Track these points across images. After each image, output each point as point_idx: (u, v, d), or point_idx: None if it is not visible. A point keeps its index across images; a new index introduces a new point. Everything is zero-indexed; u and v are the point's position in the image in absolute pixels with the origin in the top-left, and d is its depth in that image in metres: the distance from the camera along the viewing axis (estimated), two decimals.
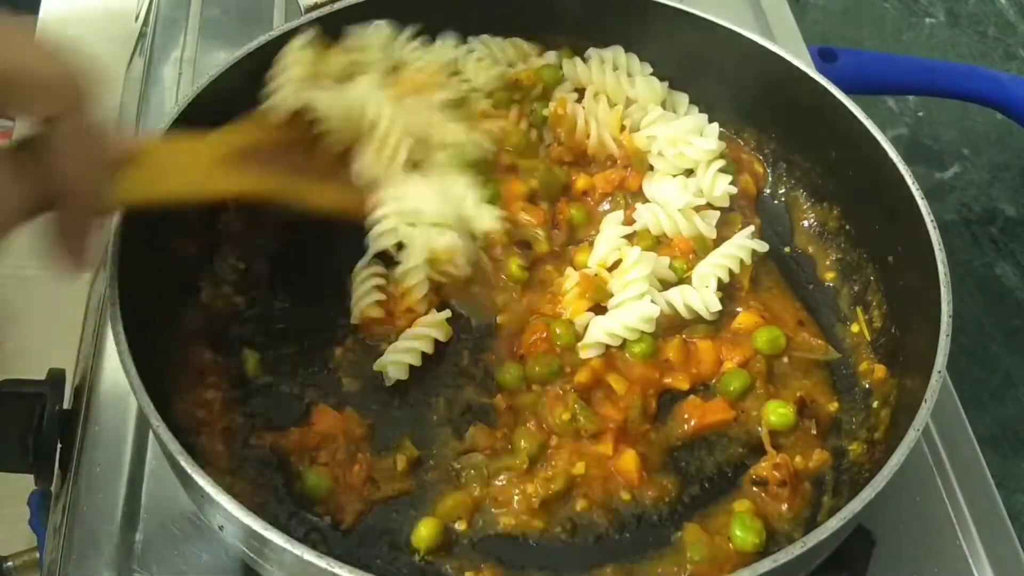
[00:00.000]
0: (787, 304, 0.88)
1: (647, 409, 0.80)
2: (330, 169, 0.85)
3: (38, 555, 0.91)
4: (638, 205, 0.92)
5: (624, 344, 0.83)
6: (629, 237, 0.89)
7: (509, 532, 0.75)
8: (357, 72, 0.88)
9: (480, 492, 0.76)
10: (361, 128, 0.84)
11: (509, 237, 0.88)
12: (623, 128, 0.95)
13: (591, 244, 0.89)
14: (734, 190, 0.92)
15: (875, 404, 0.81)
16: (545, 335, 0.83)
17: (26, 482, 0.89)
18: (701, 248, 0.89)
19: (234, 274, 0.86)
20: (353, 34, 0.89)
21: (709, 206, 0.92)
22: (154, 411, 0.65)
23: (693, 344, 0.84)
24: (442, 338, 0.83)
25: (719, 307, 0.85)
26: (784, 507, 0.76)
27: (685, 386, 0.82)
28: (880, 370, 0.82)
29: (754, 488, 0.77)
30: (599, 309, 0.85)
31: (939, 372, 0.70)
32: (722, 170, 0.93)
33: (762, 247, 0.90)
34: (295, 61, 0.84)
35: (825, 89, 0.87)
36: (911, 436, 0.66)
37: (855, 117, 0.85)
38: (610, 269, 0.87)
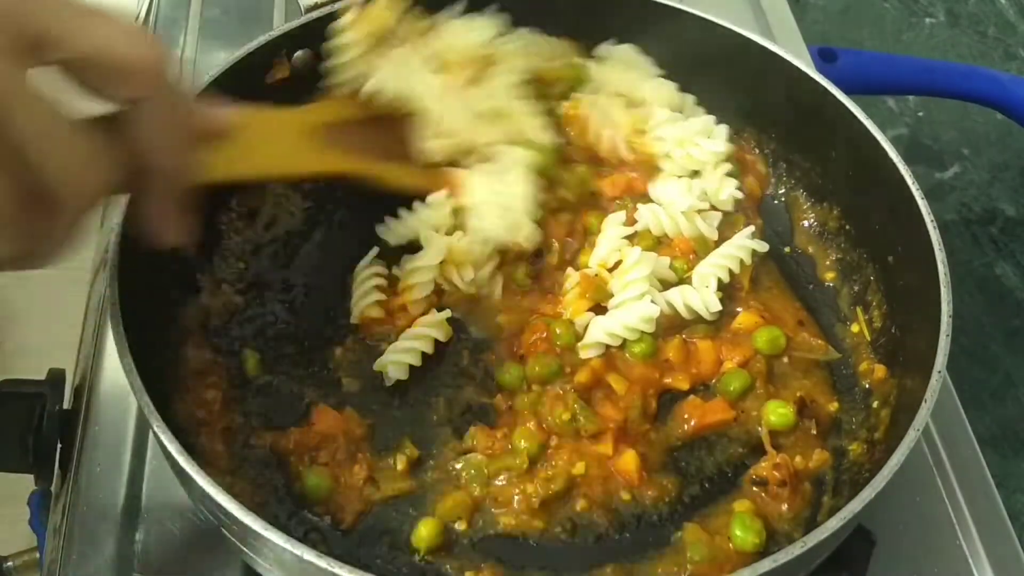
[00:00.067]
0: (787, 304, 0.88)
1: (647, 409, 0.80)
2: (404, 147, 0.85)
3: (38, 555, 0.91)
4: (639, 205, 0.91)
5: (624, 344, 0.83)
6: (630, 237, 0.89)
7: (509, 532, 0.75)
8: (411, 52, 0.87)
9: (480, 492, 0.76)
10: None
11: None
12: (638, 132, 0.94)
13: (592, 245, 0.89)
14: (740, 195, 0.92)
15: (875, 404, 0.81)
16: (545, 335, 0.83)
17: (26, 482, 0.89)
18: (702, 248, 0.89)
19: (234, 274, 0.86)
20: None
21: (712, 208, 0.92)
22: (154, 411, 0.65)
23: (693, 344, 0.84)
24: (442, 338, 0.83)
25: (719, 307, 0.85)
26: (784, 507, 0.76)
27: (685, 386, 0.82)
28: (880, 370, 0.82)
29: (754, 488, 0.77)
30: (599, 309, 0.85)
31: (939, 372, 0.70)
32: (728, 174, 0.93)
33: (762, 247, 0.90)
34: (354, 32, 0.84)
35: (825, 89, 0.87)
36: (911, 436, 0.66)
37: (855, 117, 0.85)
38: (610, 270, 0.87)
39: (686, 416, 0.81)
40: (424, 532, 0.73)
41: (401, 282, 0.86)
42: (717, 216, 0.92)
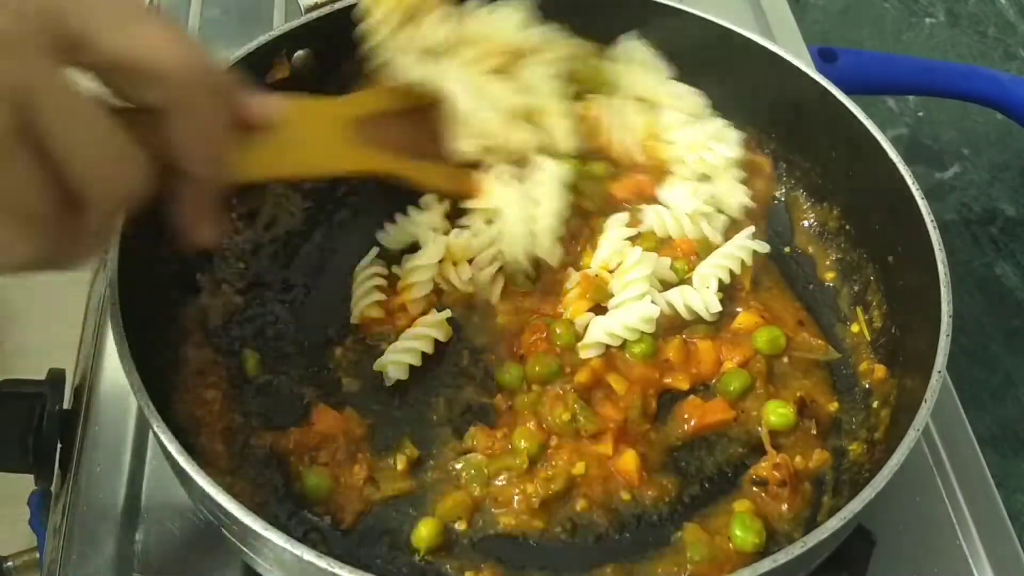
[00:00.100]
0: (787, 304, 0.88)
1: (647, 409, 0.80)
2: (435, 144, 0.84)
3: (38, 555, 0.91)
4: (645, 206, 0.91)
5: (624, 344, 0.83)
6: (633, 238, 0.89)
7: (509, 532, 0.75)
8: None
9: (480, 492, 0.76)
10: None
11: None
12: (652, 135, 0.93)
13: (594, 246, 0.89)
14: (751, 204, 0.91)
15: (875, 404, 0.81)
16: (545, 335, 0.83)
17: (26, 482, 0.89)
18: (704, 250, 0.89)
19: (234, 274, 0.86)
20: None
21: (718, 211, 0.91)
22: (154, 411, 0.65)
23: (693, 344, 0.84)
24: (442, 338, 0.83)
25: (719, 308, 0.85)
26: (784, 507, 0.76)
27: (685, 386, 0.82)
28: (880, 370, 0.82)
29: (754, 488, 0.77)
30: (599, 309, 0.85)
31: (939, 372, 0.70)
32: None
33: (763, 248, 0.90)
34: (380, 10, 0.84)
35: (825, 89, 0.87)
36: (911, 436, 0.66)
37: (855, 117, 0.85)
38: (612, 271, 0.87)
39: (686, 416, 0.81)
40: (424, 532, 0.73)
41: (400, 281, 0.86)
42: (722, 220, 0.91)
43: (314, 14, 0.89)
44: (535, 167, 0.87)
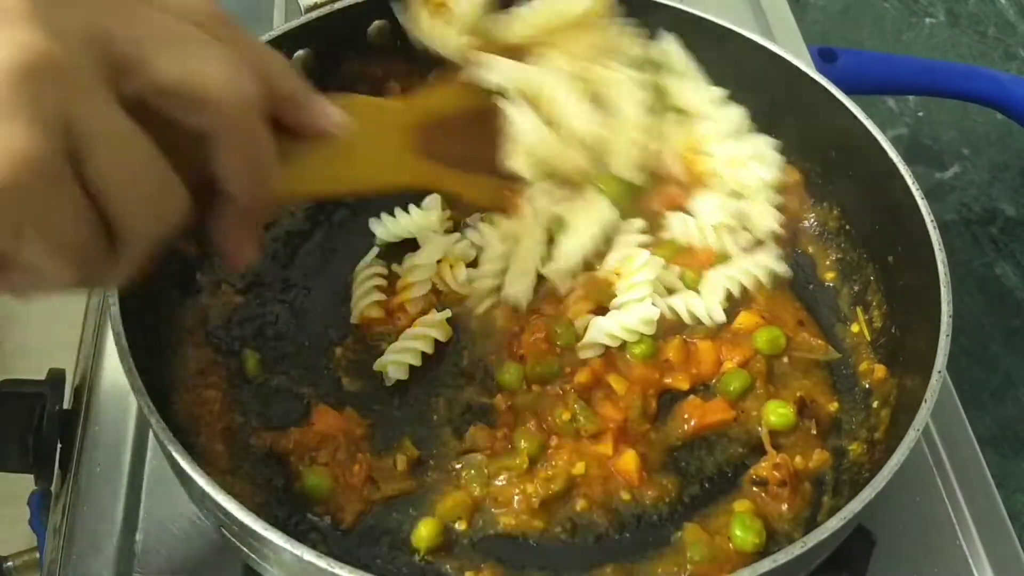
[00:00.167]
0: (787, 304, 0.88)
1: (647, 409, 0.80)
2: (486, 154, 0.79)
3: (38, 555, 0.91)
4: (668, 213, 0.89)
5: (624, 344, 0.83)
6: (648, 245, 0.87)
7: (509, 532, 0.75)
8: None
9: (480, 492, 0.76)
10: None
11: None
12: (691, 148, 0.91)
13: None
14: (779, 230, 0.89)
15: (875, 404, 0.81)
16: (544, 335, 0.83)
17: (26, 482, 0.89)
18: (721, 262, 0.88)
19: (234, 274, 0.86)
20: None
21: (745, 229, 0.89)
22: (154, 411, 0.65)
23: (693, 344, 0.84)
24: (442, 338, 0.83)
25: (723, 318, 0.84)
26: (784, 507, 0.76)
27: (685, 386, 0.82)
28: (880, 370, 0.82)
29: (754, 488, 0.77)
30: (600, 310, 0.85)
31: (939, 372, 0.70)
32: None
33: (785, 273, 0.88)
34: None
35: (825, 89, 0.87)
36: (911, 436, 0.66)
37: (855, 117, 0.85)
38: (619, 274, 0.86)
39: (686, 416, 0.81)
40: (424, 532, 0.73)
41: (399, 281, 0.86)
42: (747, 237, 0.89)
43: (314, 14, 0.89)
44: (583, 195, 0.84)
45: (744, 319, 0.86)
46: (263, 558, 0.65)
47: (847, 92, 0.87)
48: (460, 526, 0.74)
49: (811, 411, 0.81)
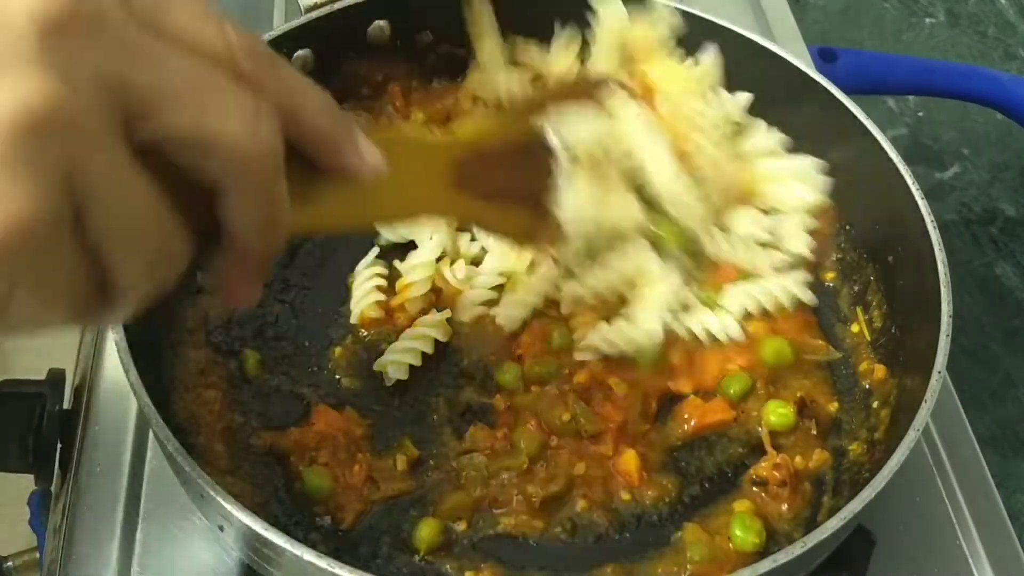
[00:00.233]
0: (798, 315, 0.86)
1: (647, 409, 0.80)
2: (531, 188, 0.72)
3: (38, 555, 0.91)
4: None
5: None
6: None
7: (509, 532, 0.75)
8: None
9: (480, 492, 0.76)
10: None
11: None
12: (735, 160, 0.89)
13: None
14: (809, 255, 0.87)
15: (875, 404, 0.81)
16: (543, 336, 0.83)
17: (26, 482, 0.89)
18: (744, 278, 0.86)
19: None
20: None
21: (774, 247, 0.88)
22: (154, 411, 0.65)
23: (698, 351, 0.83)
24: (442, 338, 0.83)
25: (740, 336, 0.83)
26: (784, 507, 0.76)
27: (688, 390, 0.82)
28: (880, 370, 0.82)
29: (754, 488, 0.77)
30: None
31: (939, 372, 0.70)
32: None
33: (811, 301, 0.86)
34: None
35: (825, 89, 0.87)
36: (911, 436, 0.66)
37: (855, 117, 0.85)
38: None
39: (686, 416, 0.81)
40: (424, 532, 0.73)
41: (399, 281, 0.86)
42: (779, 257, 0.87)
43: (314, 14, 0.89)
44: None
45: (752, 327, 0.84)
46: (263, 558, 0.65)
47: (847, 92, 0.87)
48: (460, 526, 0.74)
49: (811, 411, 0.81)
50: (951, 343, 0.71)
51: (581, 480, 0.76)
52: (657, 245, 0.81)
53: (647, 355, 0.81)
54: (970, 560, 0.81)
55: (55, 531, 0.80)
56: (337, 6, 0.89)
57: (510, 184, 0.70)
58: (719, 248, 0.85)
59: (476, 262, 0.88)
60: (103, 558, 0.75)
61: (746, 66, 0.92)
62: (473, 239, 0.89)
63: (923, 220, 0.78)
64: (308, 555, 0.59)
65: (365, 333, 0.84)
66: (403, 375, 0.81)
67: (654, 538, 0.75)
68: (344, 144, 0.52)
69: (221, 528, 0.66)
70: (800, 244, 0.87)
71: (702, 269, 0.84)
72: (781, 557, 0.62)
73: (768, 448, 0.78)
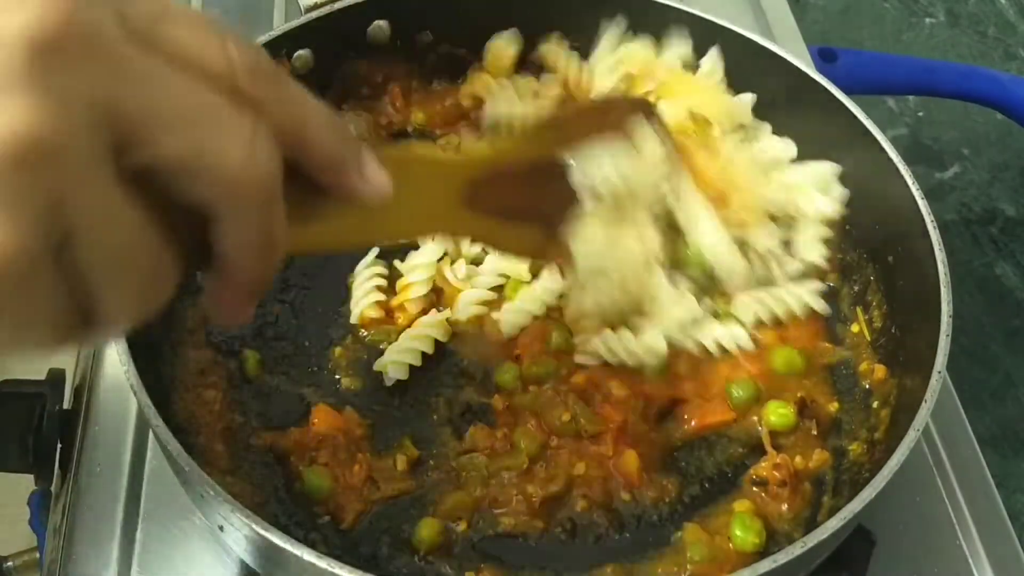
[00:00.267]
0: (810, 323, 0.86)
1: (647, 410, 0.80)
2: (544, 207, 0.71)
3: (38, 555, 0.91)
4: None
5: None
6: None
7: (509, 532, 0.75)
8: None
9: (480, 492, 0.76)
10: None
11: None
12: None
13: None
14: (825, 265, 0.87)
15: (875, 404, 0.81)
16: (542, 337, 0.83)
17: (26, 482, 0.89)
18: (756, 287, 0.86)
19: None
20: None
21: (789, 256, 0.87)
22: (154, 411, 0.65)
23: (705, 361, 0.82)
24: (442, 338, 0.83)
25: (751, 346, 0.82)
26: (784, 507, 0.76)
27: (692, 398, 0.81)
28: (880, 370, 0.82)
29: (754, 488, 0.77)
30: None
31: (939, 372, 0.70)
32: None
33: (823, 310, 0.86)
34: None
35: (825, 89, 0.87)
36: (911, 436, 0.66)
37: (855, 117, 0.85)
38: None
39: (686, 416, 0.81)
40: (424, 532, 0.73)
41: (399, 281, 0.86)
42: (795, 266, 0.86)
43: (314, 14, 0.89)
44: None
45: (762, 335, 0.84)
46: (262, 558, 0.65)
47: (847, 92, 0.87)
48: (460, 526, 0.74)
49: (811, 411, 0.81)
50: (951, 343, 0.72)
51: (581, 480, 0.76)
52: (674, 266, 0.81)
53: (651, 367, 0.81)
54: (970, 560, 0.81)
55: (55, 531, 0.80)
56: (337, 6, 0.89)
57: (523, 203, 0.69)
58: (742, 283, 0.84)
59: (476, 262, 0.88)
60: (103, 558, 0.75)
61: (746, 66, 0.92)
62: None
63: (923, 220, 0.78)
64: (308, 555, 0.59)
65: (365, 333, 0.84)
66: (403, 375, 0.81)
67: (654, 538, 0.75)
68: (348, 166, 0.50)
69: (221, 528, 0.66)
70: (816, 254, 0.87)
71: (717, 286, 0.83)
72: (781, 557, 0.62)
73: (768, 448, 0.78)
